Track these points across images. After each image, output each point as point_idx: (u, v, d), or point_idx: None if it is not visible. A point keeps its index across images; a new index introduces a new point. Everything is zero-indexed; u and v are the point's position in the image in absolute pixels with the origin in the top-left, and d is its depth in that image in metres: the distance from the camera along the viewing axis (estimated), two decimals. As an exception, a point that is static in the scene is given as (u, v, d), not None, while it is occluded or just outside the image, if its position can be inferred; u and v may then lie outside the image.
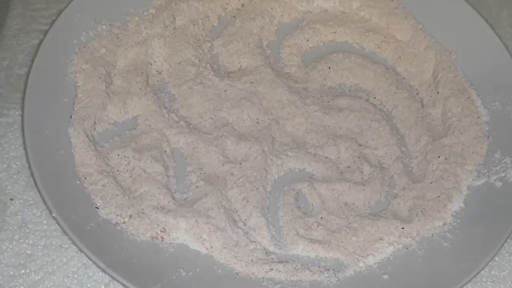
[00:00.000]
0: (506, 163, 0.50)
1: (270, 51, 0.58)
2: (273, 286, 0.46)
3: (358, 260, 0.47)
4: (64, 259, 0.46)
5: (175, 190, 0.50)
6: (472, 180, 0.51)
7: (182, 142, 0.52)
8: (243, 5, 0.60)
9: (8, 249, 0.47)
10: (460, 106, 0.54)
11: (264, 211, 0.49)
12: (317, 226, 0.48)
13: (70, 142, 0.50)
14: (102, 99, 0.52)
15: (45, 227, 0.47)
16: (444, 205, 0.49)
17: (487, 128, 0.53)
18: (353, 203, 0.50)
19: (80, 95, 0.52)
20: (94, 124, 0.51)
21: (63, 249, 0.47)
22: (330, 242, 0.48)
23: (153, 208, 0.47)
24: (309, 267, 0.47)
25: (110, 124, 0.52)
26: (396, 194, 0.51)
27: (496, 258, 0.49)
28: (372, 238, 0.48)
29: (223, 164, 0.50)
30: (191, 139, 0.51)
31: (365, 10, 0.60)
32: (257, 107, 0.53)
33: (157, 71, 0.56)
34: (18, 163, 0.50)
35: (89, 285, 0.46)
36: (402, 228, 0.48)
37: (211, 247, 0.47)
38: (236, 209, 0.48)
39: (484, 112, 0.53)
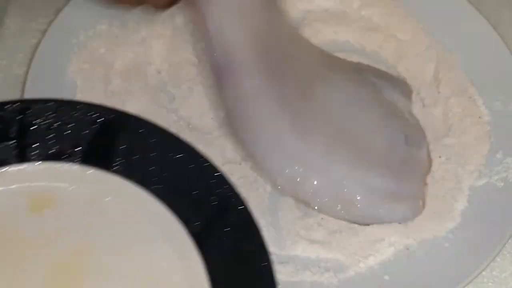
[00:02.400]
0: (508, 163, 0.50)
1: (270, 51, 0.58)
2: (273, 287, 0.46)
3: (358, 261, 0.47)
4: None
5: (174, 190, 0.49)
6: (474, 180, 0.50)
7: (182, 142, 0.52)
8: (243, 4, 0.60)
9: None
10: (461, 106, 0.53)
11: (264, 211, 0.48)
12: (318, 227, 0.48)
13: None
14: (101, 99, 0.51)
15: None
16: (451, 205, 0.49)
17: (489, 128, 0.52)
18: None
19: (79, 95, 0.52)
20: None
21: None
22: (330, 242, 0.47)
23: (153, 208, 0.47)
24: (309, 268, 0.47)
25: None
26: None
27: (498, 259, 0.49)
28: (373, 238, 0.48)
29: (223, 164, 0.50)
30: (191, 139, 0.51)
31: (366, 9, 0.60)
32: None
33: (157, 70, 0.55)
34: (17, 163, 0.50)
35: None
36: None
37: (211, 248, 0.47)
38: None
39: (485, 112, 0.53)
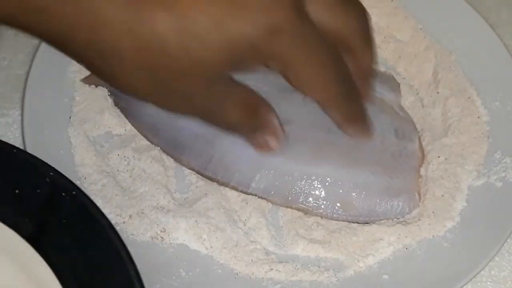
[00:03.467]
0: (506, 163, 0.50)
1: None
2: (273, 286, 0.46)
3: (358, 260, 0.47)
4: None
5: (175, 190, 0.49)
6: (472, 180, 0.51)
7: (182, 142, 0.52)
8: (243, 5, 0.59)
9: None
10: (460, 106, 0.53)
11: (263, 211, 0.49)
12: (317, 226, 0.48)
13: (70, 142, 0.50)
14: (101, 103, 0.51)
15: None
16: (450, 204, 0.49)
17: (487, 128, 0.53)
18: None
19: (77, 98, 0.52)
20: (94, 126, 0.51)
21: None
22: (330, 242, 0.48)
23: (153, 208, 0.47)
24: (309, 267, 0.47)
25: (109, 127, 0.52)
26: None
27: (496, 258, 0.49)
28: (372, 238, 0.48)
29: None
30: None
31: (365, 10, 0.60)
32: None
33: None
34: (18, 163, 0.50)
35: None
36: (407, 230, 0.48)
37: (211, 247, 0.47)
38: (236, 210, 0.48)
39: (484, 112, 0.53)
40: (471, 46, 0.56)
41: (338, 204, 0.48)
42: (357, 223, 0.48)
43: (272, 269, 0.46)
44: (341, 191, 0.48)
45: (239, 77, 0.50)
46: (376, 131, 0.50)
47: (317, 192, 0.48)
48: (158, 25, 0.36)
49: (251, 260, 0.46)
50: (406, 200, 0.49)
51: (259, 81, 0.51)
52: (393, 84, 0.54)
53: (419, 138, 0.52)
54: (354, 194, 0.48)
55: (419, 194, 0.50)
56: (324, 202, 0.48)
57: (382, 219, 0.49)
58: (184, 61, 0.37)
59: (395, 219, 0.49)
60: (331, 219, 0.49)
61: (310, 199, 0.48)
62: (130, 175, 0.49)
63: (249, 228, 0.48)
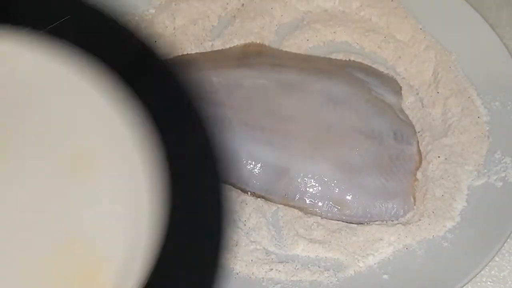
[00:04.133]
0: (506, 163, 0.50)
1: (270, 51, 0.59)
2: (273, 286, 0.46)
3: (358, 260, 0.47)
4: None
5: (175, 190, 0.49)
6: (472, 180, 0.51)
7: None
8: (243, 5, 0.60)
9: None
10: (460, 106, 0.53)
11: (263, 211, 0.49)
12: (317, 226, 0.48)
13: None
14: None
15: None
16: (450, 204, 0.49)
17: (487, 128, 0.53)
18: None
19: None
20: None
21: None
22: (330, 242, 0.48)
23: (153, 208, 0.47)
24: (309, 267, 0.47)
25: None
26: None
27: (496, 258, 0.49)
28: (372, 238, 0.48)
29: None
30: None
31: (365, 10, 0.60)
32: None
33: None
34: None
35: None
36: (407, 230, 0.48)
37: (211, 247, 0.47)
38: (236, 210, 0.48)
39: (484, 112, 0.53)
40: (471, 46, 0.56)
41: (333, 203, 0.49)
42: (351, 223, 0.49)
43: (272, 269, 0.46)
44: (337, 190, 0.48)
45: (239, 75, 0.51)
46: (374, 132, 0.50)
47: (313, 190, 0.48)
48: None
49: (251, 260, 0.46)
50: (400, 203, 0.49)
51: (259, 77, 0.51)
52: (395, 87, 0.54)
53: (418, 142, 0.52)
54: (349, 194, 0.49)
55: (414, 198, 0.50)
56: (320, 201, 0.48)
57: (377, 221, 0.49)
58: None
59: (389, 222, 0.49)
60: (326, 217, 0.49)
61: (306, 197, 0.48)
62: (130, 175, 0.49)
63: (249, 228, 0.48)
